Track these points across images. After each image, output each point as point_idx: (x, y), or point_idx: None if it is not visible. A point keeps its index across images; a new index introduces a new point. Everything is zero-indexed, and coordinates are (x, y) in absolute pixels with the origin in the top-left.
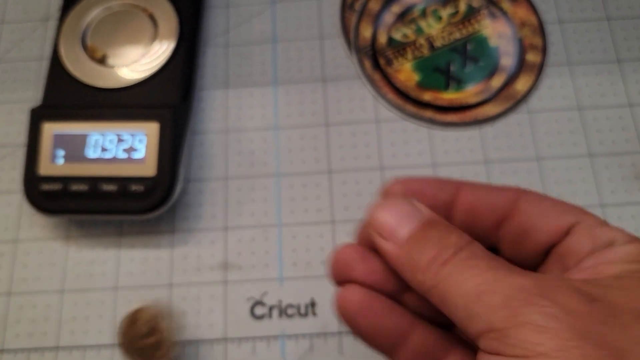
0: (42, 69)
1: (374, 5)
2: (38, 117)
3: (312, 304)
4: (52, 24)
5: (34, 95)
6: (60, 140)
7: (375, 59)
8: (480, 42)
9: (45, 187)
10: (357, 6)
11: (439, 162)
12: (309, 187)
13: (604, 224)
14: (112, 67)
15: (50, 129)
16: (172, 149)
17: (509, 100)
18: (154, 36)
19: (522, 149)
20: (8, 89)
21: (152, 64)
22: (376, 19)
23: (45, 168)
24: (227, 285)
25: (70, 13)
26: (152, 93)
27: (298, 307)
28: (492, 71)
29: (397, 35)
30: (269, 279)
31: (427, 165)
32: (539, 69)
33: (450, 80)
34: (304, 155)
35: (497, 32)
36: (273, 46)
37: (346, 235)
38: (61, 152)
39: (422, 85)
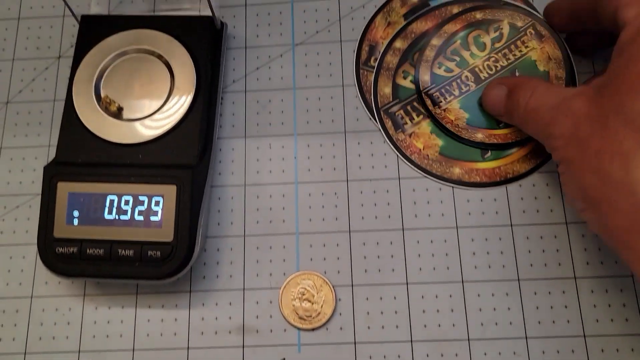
0: (54, 111)
1: (392, 59)
2: (52, 176)
3: None
4: (65, 62)
5: (46, 139)
6: (75, 201)
7: (423, 101)
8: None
9: (60, 249)
10: (373, 62)
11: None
12: (329, 247)
13: None
14: (127, 120)
15: (65, 189)
16: (190, 213)
17: None
18: (171, 86)
19: None
20: (20, 132)
21: (169, 118)
22: (394, 73)
23: (60, 230)
24: (245, 350)
25: (83, 61)
26: (169, 150)
27: None
28: None
29: (440, 71)
30: (287, 344)
31: (452, 227)
32: None
33: None
34: (325, 213)
35: (545, 54)
36: (292, 93)
37: (363, 302)
38: (76, 213)
39: (472, 123)
